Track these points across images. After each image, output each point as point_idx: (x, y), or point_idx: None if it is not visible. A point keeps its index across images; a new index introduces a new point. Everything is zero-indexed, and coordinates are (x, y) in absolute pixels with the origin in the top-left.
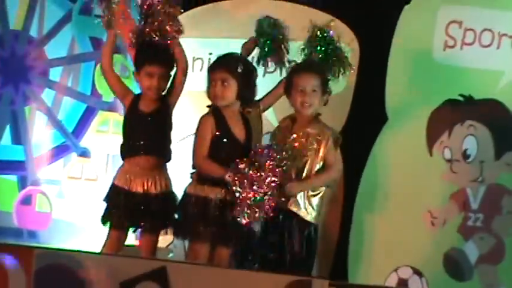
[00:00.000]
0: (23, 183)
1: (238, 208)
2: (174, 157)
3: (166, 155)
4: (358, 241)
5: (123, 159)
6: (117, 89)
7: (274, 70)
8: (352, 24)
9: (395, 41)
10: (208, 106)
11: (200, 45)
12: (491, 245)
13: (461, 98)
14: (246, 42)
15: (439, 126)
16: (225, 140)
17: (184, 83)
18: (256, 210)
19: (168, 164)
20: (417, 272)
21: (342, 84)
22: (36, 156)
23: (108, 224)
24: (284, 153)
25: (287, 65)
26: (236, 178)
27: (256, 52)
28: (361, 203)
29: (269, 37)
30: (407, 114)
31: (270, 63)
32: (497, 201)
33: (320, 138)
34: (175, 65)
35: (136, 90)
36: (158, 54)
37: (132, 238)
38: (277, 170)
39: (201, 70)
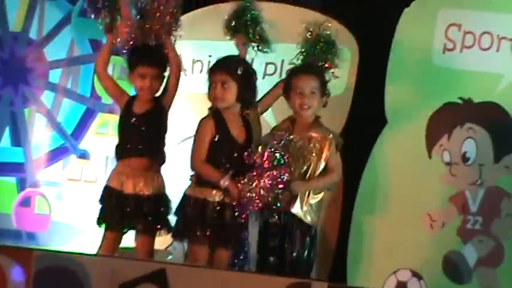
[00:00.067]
0: (22, 185)
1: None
2: (174, 159)
3: (159, 157)
4: (357, 244)
5: (117, 161)
6: (111, 91)
7: (274, 73)
8: (352, 27)
9: (395, 44)
10: (209, 108)
11: (200, 47)
12: (490, 248)
13: (460, 101)
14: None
15: (439, 129)
16: (224, 142)
17: (178, 84)
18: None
19: (166, 166)
20: (416, 275)
21: (342, 87)
22: (36, 158)
23: (103, 226)
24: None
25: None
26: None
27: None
28: (361, 205)
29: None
30: (407, 117)
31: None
32: (496, 204)
33: (323, 141)
34: (168, 66)
35: (133, 92)
36: (150, 55)
37: (131, 240)
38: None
39: (200, 72)
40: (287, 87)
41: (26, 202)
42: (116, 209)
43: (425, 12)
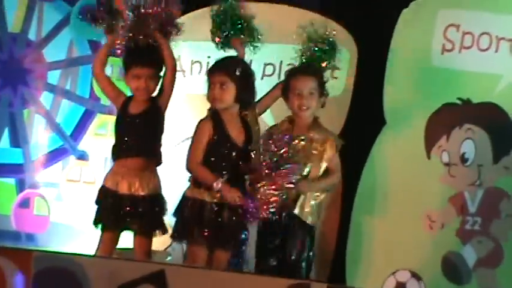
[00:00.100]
0: (21, 186)
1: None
2: (174, 160)
3: (155, 157)
4: (356, 244)
5: (113, 161)
6: (108, 92)
7: (272, 74)
8: (350, 28)
9: (393, 45)
10: (208, 109)
11: (199, 48)
12: (490, 248)
13: (459, 102)
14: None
15: (437, 129)
16: (222, 143)
17: (174, 84)
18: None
19: (165, 167)
20: (415, 276)
21: (341, 87)
22: (35, 159)
23: (99, 226)
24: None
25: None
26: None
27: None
28: (360, 206)
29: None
30: (406, 118)
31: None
32: (495, 205)
33: (324, 143)
34: (164, 66)
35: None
36: (145, 56)
37: (130, 241)
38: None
39: (199, 73)
40: (285, 88)
41: (25, 203)
42: (112, 209)
43: (424, 12)
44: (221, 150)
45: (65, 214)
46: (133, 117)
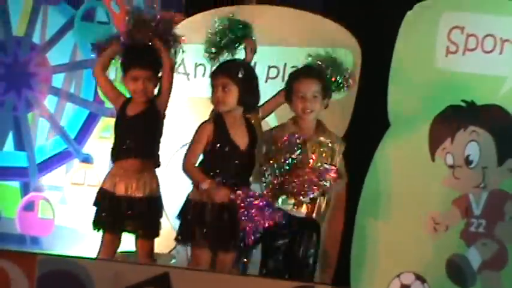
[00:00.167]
0: (25, 189)
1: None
2: (178, 163)
3: (153, 159)
4: (360, 247)
5: (112, 163)
6: (108, 93)
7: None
8: (354, 29)
9: (397, 47)
10: (212, 112)
11: (202, 51)
12: (494, 251)
13: (463, 104)
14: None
15: (442, 132)
16: (224, 146)
17: (171, 86)
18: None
19: (170, 170)
20: (420, 278)
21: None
22: (39, 162)
23: (98, 229)
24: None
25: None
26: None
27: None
28: (364, 208)
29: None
30: (410, 120)
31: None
32: (500, 207)
33: (332, 146)
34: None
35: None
36: (142, 58)
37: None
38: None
39: (203, 76)
40: (289, 91)
41: (29, 206)
42: (109, 211)
43: (428, 15)
44: (222, 153)
45: (70, 217)
46: (131, 118)
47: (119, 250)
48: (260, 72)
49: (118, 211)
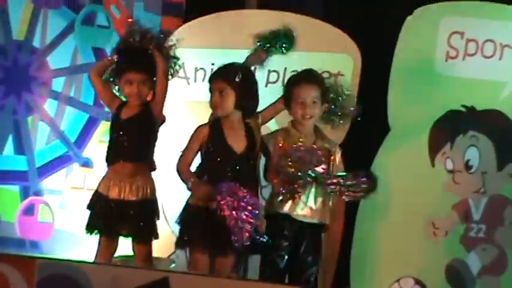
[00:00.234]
0: (25, 193)
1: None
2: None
3: (147, 162)
4: (360, 252)
5: (107, 166)
6: (102, 96)
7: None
8: (354, 34)
9: (397, 52)
10: (210, 116)
11: (203, 55)
12: (494, 256)
13: (463, 109)
14: (252, 54)
15: (442, 136)
16: (219, 150)
17: (166, 89)
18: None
19: (170, 174)
20: (419, 283)
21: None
22: (39, 166)
23: (90, 232)
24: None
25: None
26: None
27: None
28: (363, 213)
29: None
30: (410, 125)
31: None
32: (499, 212)
33: (332, 150)
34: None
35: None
36: (137, 61)
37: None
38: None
39: (203, 80)
40: (288, 96)
41: (29, 210)
42: (102, 214)
43: (428, 20)
44: (218, 156)
45: (69, 221)
46: (124, 122)
47: (119, 254)
48: (260, 76)
49: (111, 215)
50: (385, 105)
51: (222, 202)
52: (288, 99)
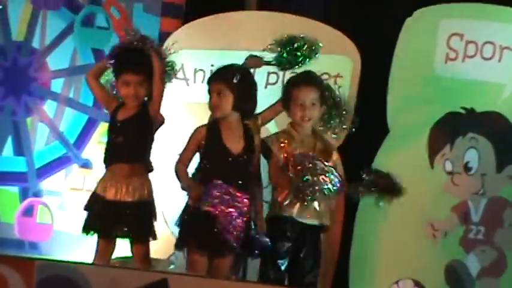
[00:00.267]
0: (24, 194)
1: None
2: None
3: (143, 163)
4: (359, 254)
5: (105, 167)
6: (99, 98)
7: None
8: (354, 36)
9: (397, 54)
10: (210, 117)
11: (202, 56)
12: (493, 258)
13: (462, 111)
14: (251, 58)
15: (441, 138)
16: (215, 151)
17: (162, 91)
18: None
19: (170, 176)
20: (418, 285)
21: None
22: (38, 167)
23: (87, 233)
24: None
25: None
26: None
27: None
28: (363, 215)
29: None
30: (409, 127)
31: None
32: (499, 214)
33: (332, 152)
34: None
35: None
36: (134, 62)
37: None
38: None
39: (202, 82)
40: (287, 97)
41: (28, 212)
42: (99, 215)
43: (428, 21)
44: (215, 157)
45: (68, 222)
46: (121, 123)
47: (119, 256)
48: (259, 78)
49: (108, 216)
50: (384, 107)
51: (212, 202)
52: (287, 101)
